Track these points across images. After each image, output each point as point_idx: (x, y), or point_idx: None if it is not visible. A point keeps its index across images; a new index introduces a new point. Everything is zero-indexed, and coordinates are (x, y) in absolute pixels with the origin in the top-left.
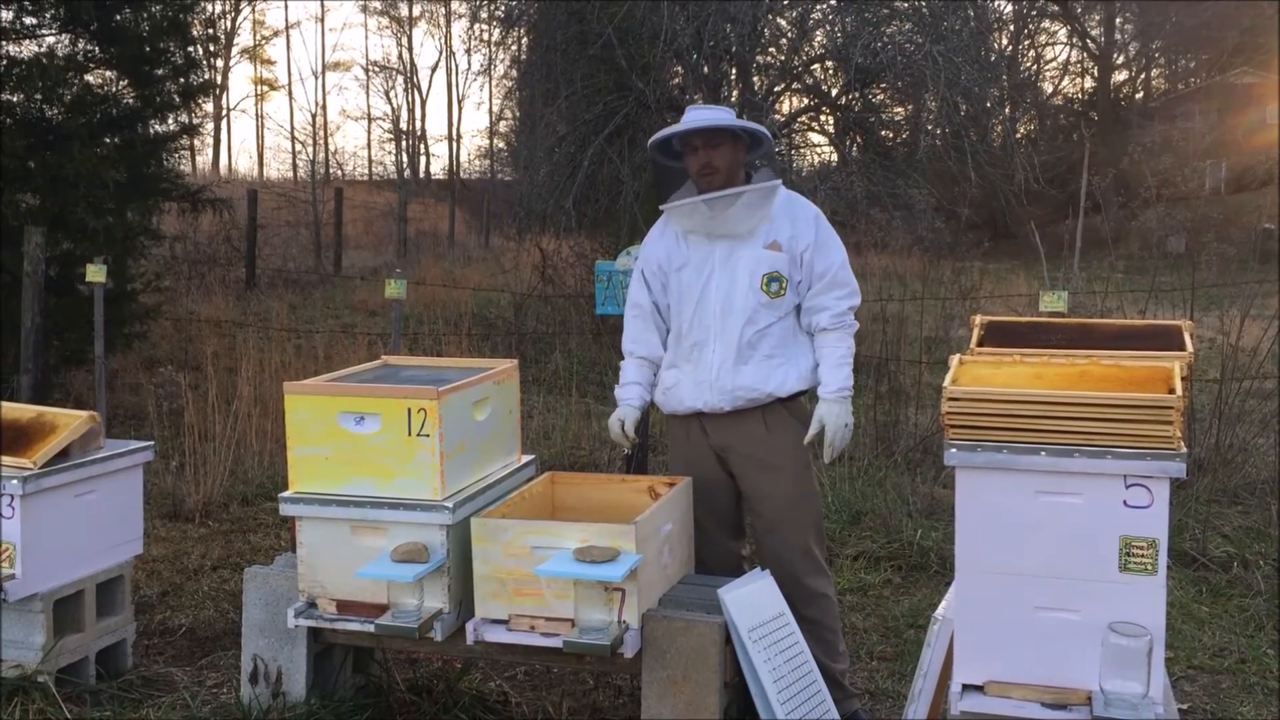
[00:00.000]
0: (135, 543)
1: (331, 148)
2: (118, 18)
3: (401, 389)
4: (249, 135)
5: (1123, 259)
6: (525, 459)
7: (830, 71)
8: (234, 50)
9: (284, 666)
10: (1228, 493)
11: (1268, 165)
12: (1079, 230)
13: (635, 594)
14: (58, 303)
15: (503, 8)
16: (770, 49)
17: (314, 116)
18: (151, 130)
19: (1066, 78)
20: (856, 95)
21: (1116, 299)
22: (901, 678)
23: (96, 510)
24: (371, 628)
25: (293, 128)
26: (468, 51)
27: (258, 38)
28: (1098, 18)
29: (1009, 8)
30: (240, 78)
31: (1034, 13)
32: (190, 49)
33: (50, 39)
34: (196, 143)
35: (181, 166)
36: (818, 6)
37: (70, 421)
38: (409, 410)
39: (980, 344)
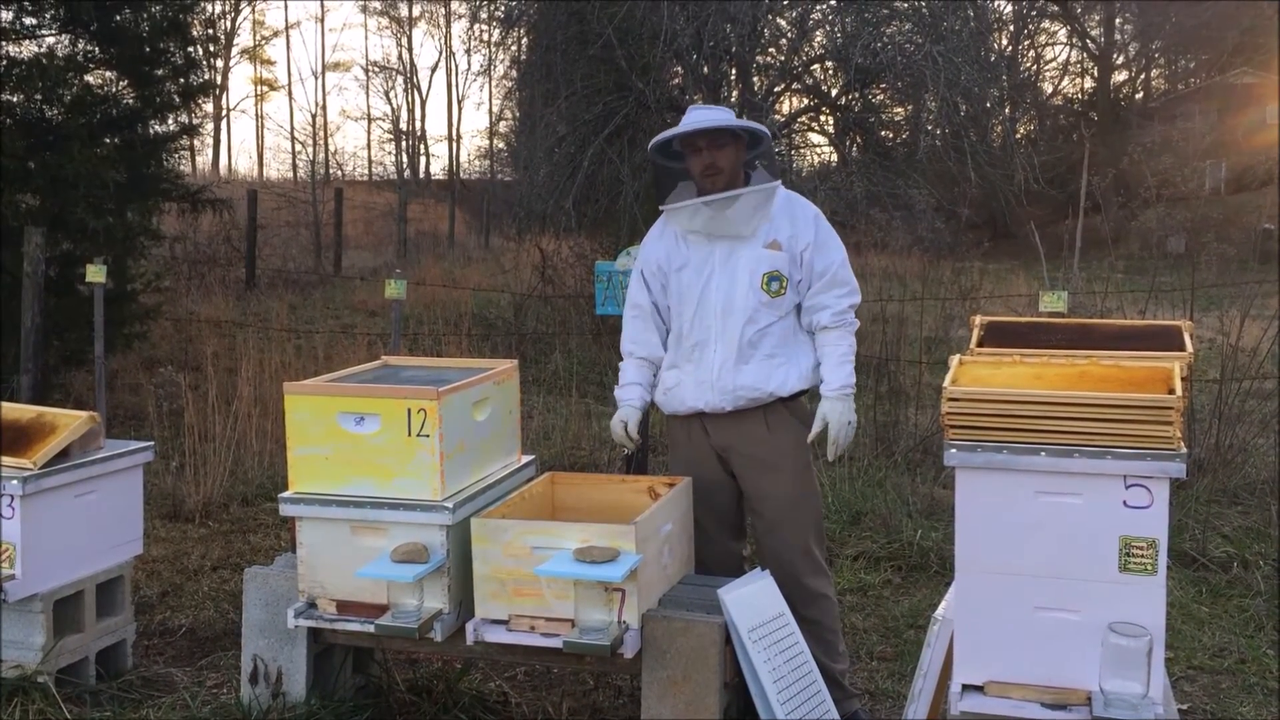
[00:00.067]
0: (135, 543)
1: (331, 148)
2: (118, 18)
3: (401, 389)
4: (249, 135)
5: (1122, 259)
6: (525, 459)
7: (830, 72)
8: (234, 50)
9: (284, 667)
10: (1228, 493)
11: (1268, 165)
12: (1079, 230)
13: (635, 594)
14: (58, 303)
15: (502, 8)
16: (770, 49)
17: (314, 117)
18: (151, 130)
19: (1066, 78)
20: (856, 95)
21: (1116, 299)
22: (901, 678)
23: (96, 510)
24: (371, 628)
25: (293, 128)
26: (468, 52)
27: (257, 38)
28: (1097, 18)
29: (1009, 8)
30: (240, 78)
31: (1034, 13)
32: (190, 49)
33: (50, 39)
34: (196, 143)
35: (181, 167)
36: (818, 7)
37: (70, 422)
38: (409, 410)
39: (980, 344)
